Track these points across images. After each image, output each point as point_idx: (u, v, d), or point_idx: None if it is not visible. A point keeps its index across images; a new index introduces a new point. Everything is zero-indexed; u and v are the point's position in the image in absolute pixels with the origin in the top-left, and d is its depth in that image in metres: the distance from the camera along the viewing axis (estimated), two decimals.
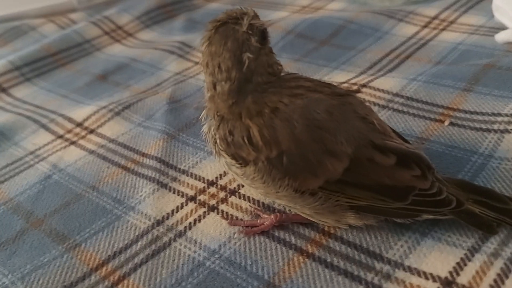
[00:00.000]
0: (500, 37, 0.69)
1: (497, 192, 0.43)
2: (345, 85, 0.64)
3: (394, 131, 0.45)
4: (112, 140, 0.63)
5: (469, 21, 0.78)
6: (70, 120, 0.69)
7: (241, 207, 0.49)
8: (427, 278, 0.38)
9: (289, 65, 0.74)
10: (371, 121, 0.42)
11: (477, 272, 0.38)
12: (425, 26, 0.79)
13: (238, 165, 0.42)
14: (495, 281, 0.37)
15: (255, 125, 0.40)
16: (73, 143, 0.64)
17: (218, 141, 0.43)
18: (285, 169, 0.40)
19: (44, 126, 0.69)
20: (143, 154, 0.59)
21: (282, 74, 0.44)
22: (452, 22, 0.79)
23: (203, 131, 0.46)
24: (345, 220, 0.42)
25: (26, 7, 1.08)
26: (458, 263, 0.39)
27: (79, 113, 0.70)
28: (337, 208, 0.41)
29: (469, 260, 0.39)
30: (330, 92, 0.43)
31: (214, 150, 0.44)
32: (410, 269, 0.39)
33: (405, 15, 0.82)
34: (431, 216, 0.41)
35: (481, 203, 0.41)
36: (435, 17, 0.80)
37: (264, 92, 0.42)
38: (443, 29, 0.77)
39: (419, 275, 0.39)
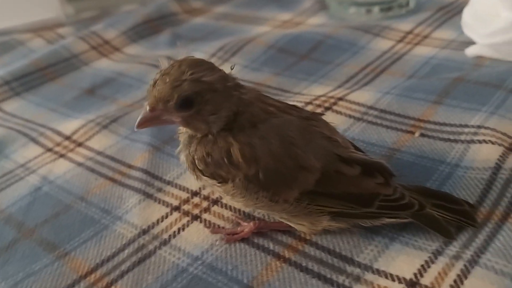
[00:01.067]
0: (470, 51, 0.73)
1: (453, 196, 0.47)
2: (323, 98, 0.67)
3: (356, 147, 0.48)
4: (99, 153, 0.65)
5: (441, 35, 0.81)
6: (59, 133, 0.71)
7: (223, 215, 0.52)
8: (393, 280, 0.41)
9: (270, 79, 0.77)
10: (335, 139, 0.45)
11: (439, 273, 0.41)
12: (399, 41, 0.82)
13: (218, 184, 0.44)
14: (455, 281, 0.40)
15: (237, 143, 0.42)
16: (62, 156, 0.66)
17: (196, 161, 0.44)
18: (262, 184, 0.42)
19: (33, 140, 0.71)
20: (130, 166, 0.61)
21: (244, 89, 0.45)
22: (425, 37, 0.82)
23: (180, 161, 0.47)
24: (320, 223, 0.45)
25: (14, 22, 1.09)
26: (422, 265, 0.42)
27: (68, 126, 0.72)
28: (312, 212, 0.44)
29: (433, 262, 0.42)
30: (297, 115, 0.45)
31: (194, 175, 0.46)
32: (378, 272, 0.42)
33: (381, 29, 0.86)
34: (393, 220, 0.44)
35: (439, 206, 0.44)
36: (409, 32, 0.84)
37: (247, 107, 0.43)
38: (416, 44, 0.80)
39: (386, 277, 0.42)
